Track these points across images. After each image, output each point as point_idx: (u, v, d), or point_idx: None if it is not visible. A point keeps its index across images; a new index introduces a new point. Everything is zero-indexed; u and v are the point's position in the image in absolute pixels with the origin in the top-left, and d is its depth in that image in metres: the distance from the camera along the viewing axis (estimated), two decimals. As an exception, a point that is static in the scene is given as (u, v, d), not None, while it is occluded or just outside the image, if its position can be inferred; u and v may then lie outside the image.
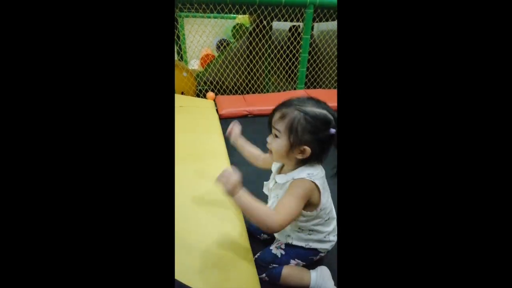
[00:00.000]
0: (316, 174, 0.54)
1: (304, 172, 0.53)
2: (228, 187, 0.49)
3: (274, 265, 0.61)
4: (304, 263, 0.63)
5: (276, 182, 0.59)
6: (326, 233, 0.61)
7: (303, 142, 0.52)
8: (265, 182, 0.66)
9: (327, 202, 0.58)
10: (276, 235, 0.66)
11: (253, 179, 1.12)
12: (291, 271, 0.61)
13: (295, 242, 0.61)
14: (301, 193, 0.52)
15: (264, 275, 0.61)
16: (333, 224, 0.62)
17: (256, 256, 0.63)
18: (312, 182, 0.52)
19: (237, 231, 0.72)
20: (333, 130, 0.52)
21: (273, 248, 0.64)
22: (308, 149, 0.52)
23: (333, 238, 0.62)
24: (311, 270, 0.62)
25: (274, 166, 0.64)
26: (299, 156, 0.54)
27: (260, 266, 0.61)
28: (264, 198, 0.65)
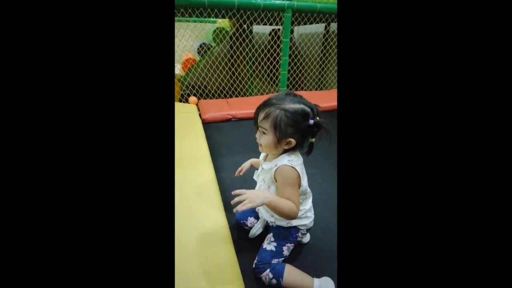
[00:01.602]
0: (296, 160, 0.63)
1: (285, 159, 0.62)
2: (258, 202, 0.56)
3: (275, 260, 0.65)
4: (294, 244, 0.70)
5: (263, 169, 0.67)
6: (304, 211, 0.68)
7: (288, 135, 0.60)
8: (255, 171, 0.75)
9: (306, 184, 0.67)
10: (261, 214, 0.75)
11: (237, 183, 1.12)
12: (293, 270, 0.64)
13: (278, 222, 0.69)
14: (294, 181, 0.61)
15: (268, 270, 0.63)
16: (309, 203, 0.71)
17: (255, 261, 0.66)
18: (294, 168, 0.61)
19: (220, 231, 0.71)
20: (311, 121, 0.59)
21: (265, 245, 0.68)
22: (293, 141, 0.61)
23: (310, 214, 0.71)
24: (315, 278, 0.64)
25: (261, 156, 0.74)
26: (286, 147, 0.62)
27: (263, 265, 0.64)
28: (252, 184, 0.73)
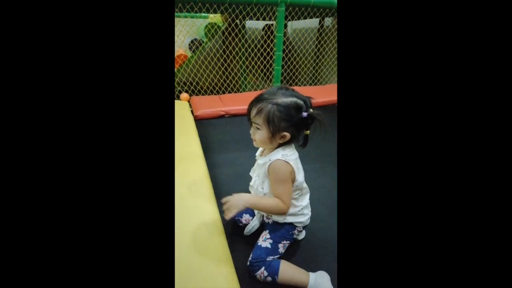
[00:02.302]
0: (290, 155, 0.62)
1: (279, 154, 0.62)
2: (241, 206, 0.59)
3: (270, 257, 0.64)
4: (289, 242, 0.69)
5: (258, 164, 0.68)
6: (300, 207, 0.67)
7: (282, 129, 0.59)
8: (252, 168, 0.76)
9: (302, 179, 0.66)
10: (256, 211, 0.74)
11: (231, 179, 1.10)
12: (288, 266, 0.63)
13: (274, 218, 0.69)
14: (286, 177, 0.61)
15: (262, 268, 0.62)
16: (306, 200, 0.69)
17: (250, 258, 0.64)
18: (288, 163, 0.60)
19: (214, 228, 0.70)
20: (305, 114, 0.59)
21: (261, 242, 0.66)
22: (287, 135, 0.60)
23: (307, 212, 0.70)
24: (310, 273, 0.63)
25: (258, 151, 0.72)
26: (281, 141, 0.62)
27: (258, 262, 0.63)
28: (248, 180, 0.73)
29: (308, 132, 0.62)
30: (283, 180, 0.60)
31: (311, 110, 0.59)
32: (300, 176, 0.64)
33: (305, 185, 0.68)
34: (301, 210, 0.67)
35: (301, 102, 0.59)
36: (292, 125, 0.59)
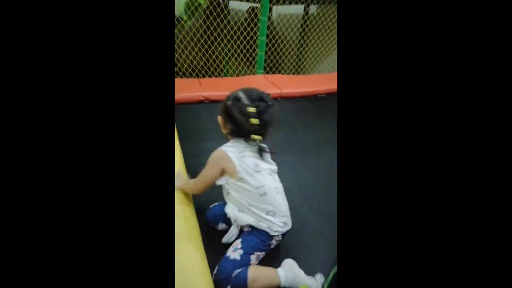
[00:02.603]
0: (235, 147, 0.63)
1: (224, 145, 0.65)
2: (178, 184, 0.73)
3: (238, 270, 0.57)
4: (264, 253, 0.64)
5: None
6: (267, 211, 0.62)
7: (219, 112, 0.65)
8: None
9: (256, 178, 0.61)
10: (228, 211, 0.67)
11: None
12: (257, 272, 0.58)
13: (246, 218, 0.64)
14: (213, 163, 0.64)
15: (229, 287, 0.56)
16: (273, 205, 0.63)
17: (215, 272, 0.58)
18: (225, 153, 0.61)
19: (188, 229, 0.63)
20: (228, 102, 0.62)
21: (229, 253, 0.61)
22: (221, 120, 0.65)
23: (280, 220, 0.64)
24: (277, 269, 0.60)
25: None
26: (224, 129, 0.66)
27: (223, 279, 0.56)
28: None
29: (257, 137, 0.60)
30: (209, 165, 0.65)
31: (250, 108, 0.58)
32: (241, 168, 0.61)
33: (267, 187, 0.62)
34: (270, 213, 0.62)
35: (241, 95, 0.60)
36: (223, 112, 0.63)
